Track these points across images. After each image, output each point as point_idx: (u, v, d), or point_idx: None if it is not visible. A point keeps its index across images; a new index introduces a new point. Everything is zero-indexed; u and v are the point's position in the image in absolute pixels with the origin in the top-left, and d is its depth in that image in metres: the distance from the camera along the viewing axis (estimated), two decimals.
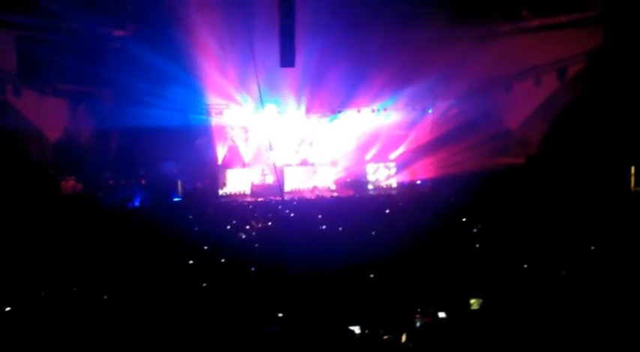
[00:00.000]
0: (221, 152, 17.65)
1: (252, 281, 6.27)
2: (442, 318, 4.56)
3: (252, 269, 6.77)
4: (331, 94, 17.01)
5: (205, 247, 8.12)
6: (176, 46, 14.32)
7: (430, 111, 17.93)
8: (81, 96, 15.70)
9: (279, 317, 4.80)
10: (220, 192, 16.72)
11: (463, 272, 6.13)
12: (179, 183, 16.24)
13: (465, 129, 15.92)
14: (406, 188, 17.71)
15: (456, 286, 5.43)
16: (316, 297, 5.31)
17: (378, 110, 17.81)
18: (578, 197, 11.24)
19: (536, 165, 14.56)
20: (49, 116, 14.97)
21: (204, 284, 6.04)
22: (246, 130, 17.98)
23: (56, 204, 12.61)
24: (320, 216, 11.30)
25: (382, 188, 18.11)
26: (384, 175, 18.38)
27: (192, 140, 17.17)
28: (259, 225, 10.76)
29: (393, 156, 18.57)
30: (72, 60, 14.20)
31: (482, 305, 4.86)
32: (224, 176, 17.01)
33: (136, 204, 14.82)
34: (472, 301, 4.89)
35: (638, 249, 6.57)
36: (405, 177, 18.10)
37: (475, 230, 9.39)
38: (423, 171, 17.46)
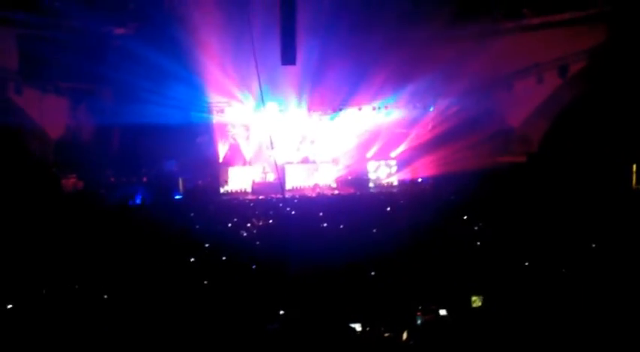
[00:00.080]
0: (222, 150, 17.66)
1: (253, 279, 6.29)
2: (443, 316, 4.57)
3: (254, 267, 6.78)
4: (332, 92, 17.01)
5: (206, 245, 8.14)
6: (177, 44, 14.32)
7: (431, 109, 17.91)
8: (82, 94, 15.69)
9: (281, 315, 4.81)
10: (221, 189, 16.73)
11: (464, 269, 6.14)
12: (180, 180, 16.27)
13: (466, 128, 15.89)
14: (407, 186, 17.71)
15: (457, 284, 5.43)
16: (317, 295, 5.32)
17: (379, 108, 17.80)
18: (579, 195, 11.23)
19: (537, 163, 14.55)
20: (51, 114, 14.98)
21: (206, 282, 6.05)
22: (247, 128, 17.99)
23: (57, 202, 12.62)
24: (321, 214, 11.32)
25: (383, 186, 18.11)
26: (385, 173, 18.38)
27: (193, 138, 17.18)
28: (260, 223, 10.77)
29: (394, 154, 18.56)
30: (73, 58, 14.21)
31: (483, 303, 4.87)
32: (225, 174, 17.02)
33: (137, 201, 14.84)
34: (473, 299, 4.89)
35: (639, 247, 6.57)
36: (406, 175, 18.09)
37: (476, 228, 9.39)
38: (424, 169, 17.45)
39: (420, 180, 17.72)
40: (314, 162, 18.45)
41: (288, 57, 11.45)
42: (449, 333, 4.24)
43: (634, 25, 12.99)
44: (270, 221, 11.07)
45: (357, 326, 4.31)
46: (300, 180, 17.77)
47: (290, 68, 14.29)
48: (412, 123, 18.17)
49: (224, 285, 5.92)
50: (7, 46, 13.84)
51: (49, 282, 5.88)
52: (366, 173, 18.26)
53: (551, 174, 13.20)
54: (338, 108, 18.02)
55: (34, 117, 14.55)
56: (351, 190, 17.40)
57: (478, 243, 7.92)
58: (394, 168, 18.37)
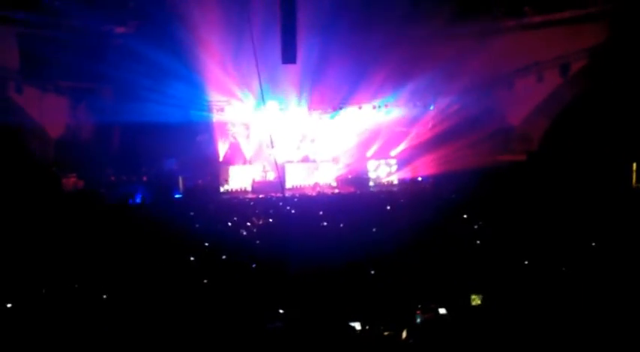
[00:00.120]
0: (222, 149, 17.65)
1: (253, 278, 6.29)
2: (443, 314, 4.57)
3: (254, 265, 6.79)
4: (333, 91, 17.00)
5: (206, 244, 8.14)
6: (177, 43, 14.32)
7: (431, 107, 17.91)
8: (83, 93, 15.69)
9: (280, 314, 4.81)
10: (221, 188, 16.74)
11: (464, 268, 6.14)
12: (180, 179, 16.27)
13: (467, 126, 15.89)
14: (407, 185, 17.71)
15: (457, 282, 5.44)
16: (317, 294, 5.33)
17: (380, 107, 17.79)
18: (579, 193, 11.23)
19: (537, 162, 14.54)
20: (51, 113, 14.98)
21: (206, 281, 6.06)
22: (247, 127, 17.98)
23: (58, 201, 12.62)
24: (321, 213, 11.32)
25: (383, 185, 18.09)
26: (385, 172, 18.37)
27: (193, 137, 17.18)
28: (260, 222, 10.77)
29: (394, 152, 18.55)
30: (74, 57, 14.20)
31: (483, 302, 4.87)
32: (225, 173, 17.01)
33: (138, 200, 14.84)
34: (473, 297, 4.89)
35: (638, 246, 6.57)
36: (406, 173, 18.09)
37: (476, 226, 9.39)
38: (424, 168, 17.44)
39: (420, 178, 17.72)
40: (314, 161, 18.43)
41: (289, 55, 11.44)
42: (448, 332, 4.24)
43: (634, 24, 12.97)
44: (270, 220, 11.07)
45: (357, 325, 4.31)
46: (301, 178, 17.76)
47: (290, 67, 14.27)
48: (412, 121, 18.16)
49: (224, 284, 5.92)
50: (7, 45, 13.84)
51: (49, 281, 5.88)
52: (366, 172, 18.25)
53: (551, 173, 13.20)
54: (338, 106, 18.01)
55: (34, 117, 14.55)
56: (351, 189, 17.40)
57: (478, 242, 7.92)
58: (394, 167, 18.36)
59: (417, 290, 5.28)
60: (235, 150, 17.93)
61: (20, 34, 14.07)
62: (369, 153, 18.62)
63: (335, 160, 18.62)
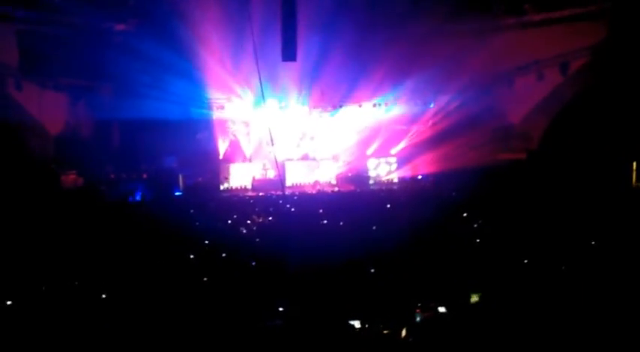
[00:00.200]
0: (222, 146, 17.64)
1: (253, 276, 6.29)
2: (442, 313, 4.58)
3: (253, 263, 6.79)
4: (333, 88, 16.97)
5: (206, 242, 8.15)
6: (178, 41, 14.27)
7: (431, 105, 17.89)
8: (82, 90, 15.66)
9: (280, 312, 4.81)
10: (221, 186, 16.73)
11: (464, 267, 6.14)
12: (180, 177, 16.26)
13: (467, 124, 15.88)
14: (407, 183, 17.70)
15: (457, 281, 5.44)
16: (317, 292, 5.33)
17: (380, 104, 17.76)
18: (579, 192, 11.23)
19: (537, 161, 14.53)
20: (51, 110, 14.95)
21: (205, 279, 6.06)
22: (247, 124, 17.96)
23: (57, 199, 12.62)
24: (321, 211, 11.32)
25: (383, 183, 18.08)
26: (385, 170, 18.36)
27: (193, 134, 17.17)
28: (260, 220, 10.78)
29: (394, 150, 18.54)
30: (73, 54, 14.17)
31: (482, 300, 4.87)
32: (225, 170, 17.02)
33: (137, 198, 14.84)
34: (472, 296, 4.89)
35: (638, 245, 6.57)
36: (406, 172, 18.07)
37: (476, 225, 9.39)
38: (424, 166, 17.42)
39: (420, 177, 17.70)
40: (314, 158, 18.43)
41: (289, 53, 11.47)
42: (448, 330, 4.25)
43: (634, 22, 12.95)
44: (270, 218, 11.07)
45: (357, 323, 4.32)
46: (301, 176, 17.76)
47: (290, 64, 14.31)
48: (412, 119, 18.16)
49: (224, 282, 5.93)
50: (6, 41, 13.78)
51: (49, 279, 5.88)
52: (366, 170, 18.24)
53: (551, 171, 13.19)
54: (338, 104, 17.97)
55: (33, 114, 14.51)
56: (351, 187, 17.38)
57: (478, 240, 7.92)
58: (394, 165, 18.35)
59: (416, 289, 5.28)
60: (235, 147, 17.92)
61: (20, 31, 14.02)
62: (369, 151, 18.61)
63: (335, 158, 18.61)
